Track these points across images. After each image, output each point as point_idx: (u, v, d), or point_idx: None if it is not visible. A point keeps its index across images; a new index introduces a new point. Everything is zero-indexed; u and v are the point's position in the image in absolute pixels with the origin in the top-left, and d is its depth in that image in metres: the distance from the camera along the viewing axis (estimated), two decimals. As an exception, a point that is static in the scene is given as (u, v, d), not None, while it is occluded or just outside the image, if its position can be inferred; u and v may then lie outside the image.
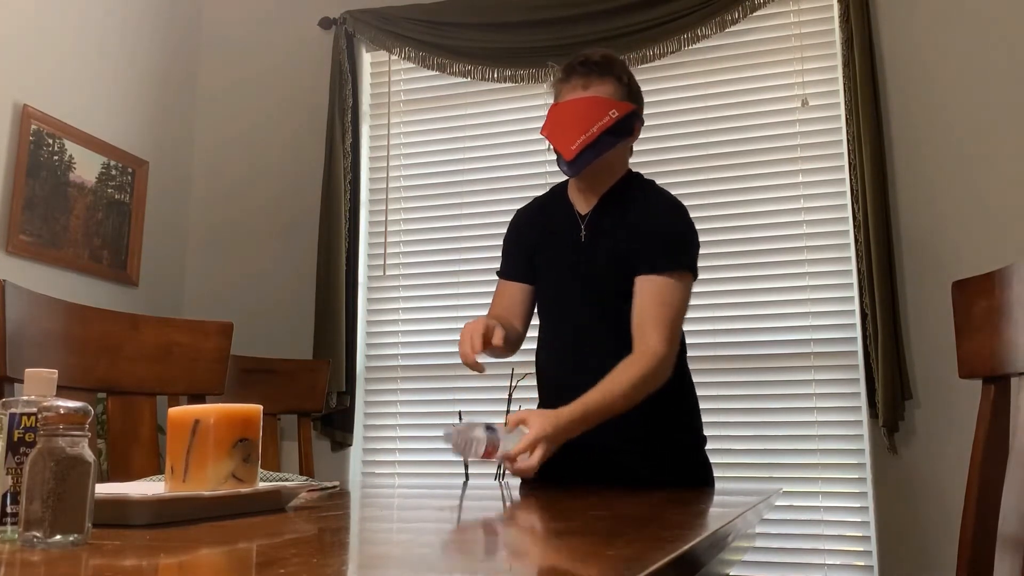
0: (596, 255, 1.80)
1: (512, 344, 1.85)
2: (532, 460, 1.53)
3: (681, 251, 1.76)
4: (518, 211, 2.00)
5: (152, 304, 3.33)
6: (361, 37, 3.42)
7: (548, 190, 2.00)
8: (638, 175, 1.90)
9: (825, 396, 2.78)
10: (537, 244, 1.89)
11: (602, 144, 1.75)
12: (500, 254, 1.99)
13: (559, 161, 1.80)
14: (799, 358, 2.83)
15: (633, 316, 1.72)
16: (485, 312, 3.07)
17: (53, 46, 2.99)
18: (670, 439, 1.81)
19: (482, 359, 1.69)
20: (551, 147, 1.83)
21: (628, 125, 1.80)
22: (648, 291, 1.72)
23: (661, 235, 1.76)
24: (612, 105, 1.76)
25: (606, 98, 1.76)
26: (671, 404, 1.80)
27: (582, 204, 1.86)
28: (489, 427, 1.55)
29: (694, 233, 1.80)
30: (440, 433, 3.20)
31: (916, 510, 2.61)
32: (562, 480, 1.77)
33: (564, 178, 1.96)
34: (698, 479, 1.81)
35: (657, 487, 1.63)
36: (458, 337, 3.12)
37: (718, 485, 1.86)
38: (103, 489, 1.03)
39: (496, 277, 1.99)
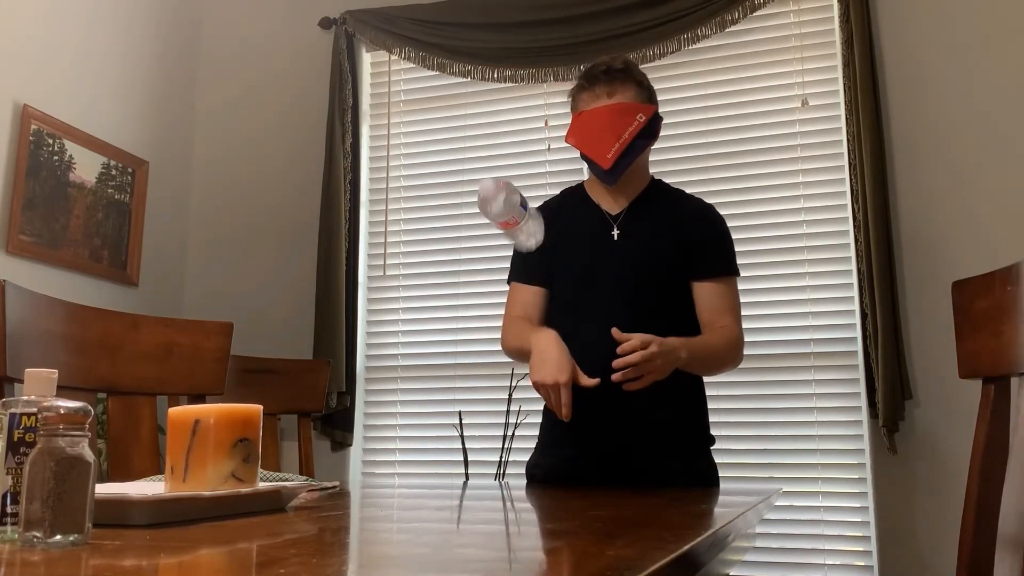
0: (632, 253, 1.84)
1: None
2: (649, 350, 1.59)
3: (731, 255, 1.91)
4: None
5: (152, 304, 3.33)
6: (361, 37, 3.42)
7: (560, 193, 2.03)
8: (660, 180, 1.98)
9: (825, 396, 2.78)
10: (556, 244, 1.89)
11: (635, 149, 1.82)
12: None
13: (594, 168, 1.85)
14: (799, 358, 2.83)
15: (702, 314, 1.85)
16: (486, 312, 3.11)
17: (53, 46, 2.99)
18: (679, 437, 1.82)
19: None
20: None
21: (653, 126, 1.85)
22: (711, 292, 1.86)
23: (711, 241, 1.89)
24: (638, 109, 1.82)
25: (633, 103, 1.82)
26: (683, 403, 1.82)
27: (611, 205, 1.90)
28: (524, 204, 1.60)
29: (730, 234, 1.95)
30: (439, 434, 3.20)
31: (916, 510, 2.61)
32: (572, 479, 1.78)
33: (569, 179, 1.98)
34: (705, 479, 1.82)
35: (665, 486, 1.63)
36: (458, 337, 3.17)
37: (720, 485, 1.86)
38: (103, 489, 1.03)
39: (507, 283, 1.99)
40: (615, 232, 1.86)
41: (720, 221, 1.93)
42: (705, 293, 1.86)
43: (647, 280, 1.83)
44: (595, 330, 1.81)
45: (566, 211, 1.94)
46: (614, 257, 1.84)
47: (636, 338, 1.60)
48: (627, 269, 1.83)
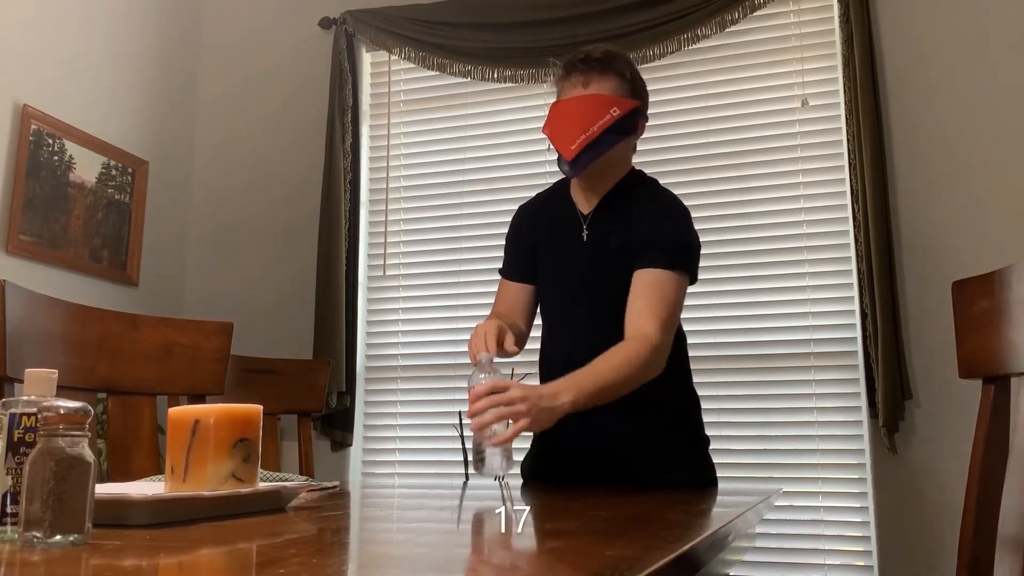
0: (598, 255, 1.79)
1: (517, 344, 1.84)
2: (514, 426, 1.40)
3: (682, 252, 1.73)
4: (519, 208, 1.98)
5: (152, 304, 3.33)
6: (361, 37, 3.42)
7: (551, 185, 1.98)
8: (641, 173, 1.88)
9: (825, 396, 2.78)
10: (538, 243, 1.87)
11: (603, 143, 1.72)
12: (500, 253, 1.98)
13: (559, 161, 1.77)
14: (799, 358, 2.83)
15: (628, 307, 1.68)
16: (486, 312, 3.10)
17: (53, 46, 2.99)
18: (675, 440, 1.81)
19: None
20: (551, 146, 1.81)
21: (630, 123, 1.76)
22: (644, 283, 1.68)
23: (663, 236, 1.73)
24: (613, 103, 1.73)
25: (607, 95, 1.73)
26: (675, 406, 1.80)
27: (584, 203, 1.84)
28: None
29: (695, 238, 1.78)
30: (439, 434, 3.20)
31: (916, 510, 2.61)
32: (566, 479, 1.77)
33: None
34: (702, 480, 1.82)
35: (661, 488, 1.63)
36: (458, 337, 3.17)
37: (719, 485, 1.86)
38: (103, 489, 1.03)
39: (499, 276, 1.98)
40: (584, 233, 1.81)
41: (672, 213, 1.77)
42: (635, 285, 1.69)
43: (610, 282, 1.76)
44: (571, 335, 1.79)
45: (549, 208, 1.90)
46: (583, 260, 1.79)
47: (489, 385, 1.44)
48: (595, 272, 1.78)
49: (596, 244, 1.79)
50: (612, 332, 1.71)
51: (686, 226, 1.77)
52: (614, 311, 1.75)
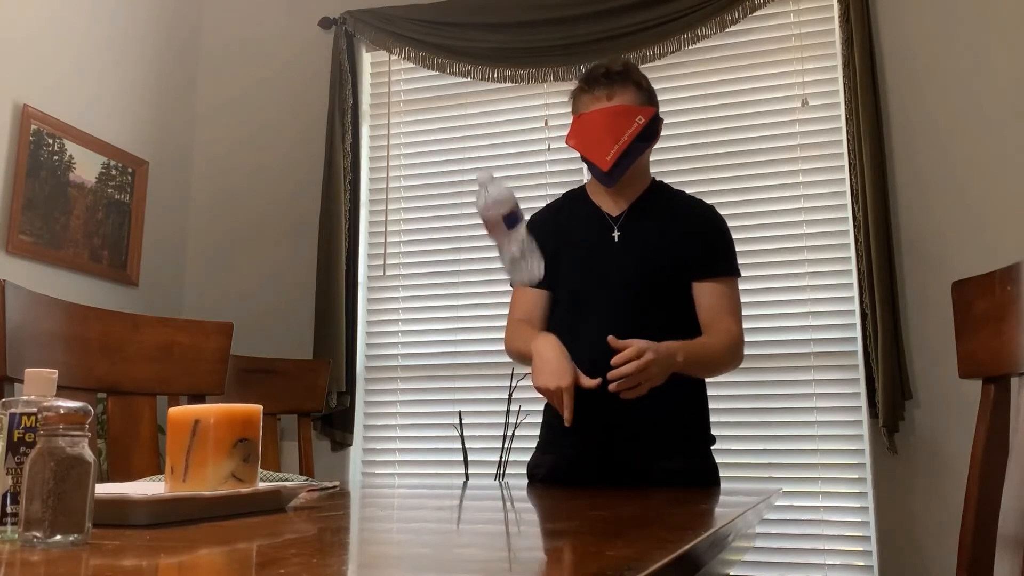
0: (632, 254, 1.85)
1: None
2: (644, 359, 1.59)
3: (732, 256, 1.91)
4: (532, 216, 2.01)
5: (152, 304, 3.33)
6: (361, 37, 3.42)
7: (562, 195, 2.03)
8: (663, 183, 1.98)
9: (825, 396, 2.78)
10: (558, 246, 1.90)
11: (634, 151, 1.82)
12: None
13: (593, 171, 1.85)
14: (799, 358, 2.82)
15: (702, 315, 1.84)
16: (486, 312, 3.11)
17: (53, 46, 2.99)
18: (682, 438, 1.82)
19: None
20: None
21: (653, 128, 1.86)
22: (712, 292, 1.85)
23: (712, 242, 1.89)
24: (638, 112, 1.82)
25: (631, 106, 1.82)
26: (685, 404, 1.82)
27: (611, 206, 1.90)
28: (519, 217, 1.66)
29: (731, 235, 1.94)
30: (439, 434, 3.20)
31: (916, 510, 2.61)
32: (573, 478, 1.78)
33: (569, 179, 1.97)
34: (706, 479, 1.83)
35: (666, 486, 1.64)
36: (458, 337, 3.17)
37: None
38: (103, 489, 1.03)
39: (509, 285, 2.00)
40: (615, 234, 1.86)
41: (721, 221, 1.94)
42: (705, 294, 1.86)
43: (647, 281, 1.83)
44: (596, 331, 1.80)
45: (567, 213, 1.95)
46: (614, 258, 1.85)
47: (632, 347, 1.59)
48: (627, 270, 1.83)
49: (629, 244, 1.86)
50: (637, 329, 1.73)
51: (726, 228, 1.93)
52: (640, 307, 1.79)
